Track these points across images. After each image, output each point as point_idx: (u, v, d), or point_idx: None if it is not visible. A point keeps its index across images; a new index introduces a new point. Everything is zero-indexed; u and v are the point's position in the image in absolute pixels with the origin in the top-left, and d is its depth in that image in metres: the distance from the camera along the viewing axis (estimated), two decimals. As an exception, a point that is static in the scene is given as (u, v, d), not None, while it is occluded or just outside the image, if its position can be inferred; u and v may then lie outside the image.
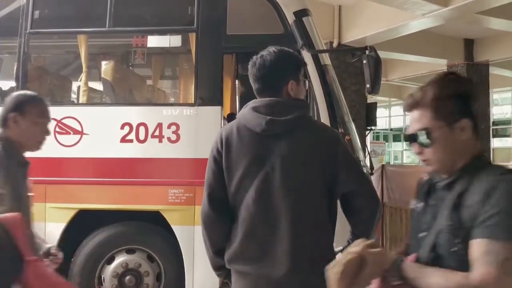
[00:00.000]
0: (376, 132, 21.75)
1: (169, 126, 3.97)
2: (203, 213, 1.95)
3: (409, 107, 1.39)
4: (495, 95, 18.30)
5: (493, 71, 14.18)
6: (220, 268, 1.99)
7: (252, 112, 1.91)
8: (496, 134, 18.55)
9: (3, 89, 4.66)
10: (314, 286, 1.72)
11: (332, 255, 1.91)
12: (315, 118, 4.03)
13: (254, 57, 2.00)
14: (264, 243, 1.84)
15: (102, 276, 3.98)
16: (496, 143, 18.32)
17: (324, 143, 1.90)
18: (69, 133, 4.01)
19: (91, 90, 4.57)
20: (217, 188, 1.93)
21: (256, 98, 2.00)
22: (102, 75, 4.56)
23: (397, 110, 23.18)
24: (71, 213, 3.96)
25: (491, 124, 15.02)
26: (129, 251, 4.00)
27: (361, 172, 1.98)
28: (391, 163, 22.56)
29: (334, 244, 1.98)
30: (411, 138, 1.40)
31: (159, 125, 3.97)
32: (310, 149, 1.87)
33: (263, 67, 1.94)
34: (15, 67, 4.23)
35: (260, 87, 1.96)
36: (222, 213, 1.92)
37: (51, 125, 4.05)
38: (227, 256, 1.92)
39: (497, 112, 19.00)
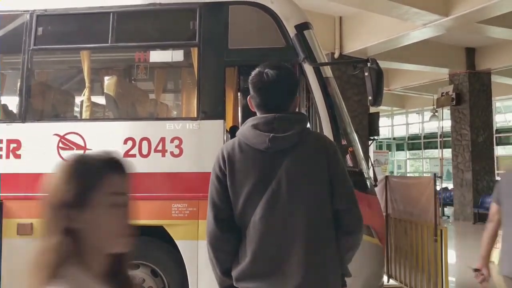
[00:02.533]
0: (379, 142, 21.72)
1: (172, 140, 3.97)
2: (209, 233, 1.92)
3: None
4: (498, 103, 18.30)
5: (495, 79, 14.18)
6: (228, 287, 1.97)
7: (253, 129, 1.89)
8: (500, 142, 18.50)
9: (7, 105, 4.68)
10: None
11: (339, 266, 1.92)
12: (318, 131, 4.03)
13: (258, 72, 1.96)
14: (274, 260, 1.84)
15: (106, 291, 3.96)
16: (499, 151, 18.26)
17: (325, 156, 1.90)
18: (73, 149, 4.01)
19: (94, 105, 4.58)
20: (223, 207, 1.90)
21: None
22: (105, 90, 4.58)
23: (400, 119, 23.18)
24: (75, 229, 3.95)
25: (494, 132, 14.99)
26: (133, 266, 3.99)
27: (352, 193, 1.95)
28: (395, 172, 22.50)
29: None
30: None
31: (162, 140, 3.98)
32: (313, 164, 1.88)
33: (276, 87, 1.91)
34: (18, 83, 4.26)
35: (268, 104, 1.93)
36: (229, 232, 1.90)
37: (55, 141, 4.10)
38: (236, 275, 1.89)
39: (500, 120, 18.98)
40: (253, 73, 1.98)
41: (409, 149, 23.61)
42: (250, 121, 1.94)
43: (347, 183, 1.93)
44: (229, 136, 4.27)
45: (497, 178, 15.18)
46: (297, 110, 2.03)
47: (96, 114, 4.75)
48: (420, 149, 22.49)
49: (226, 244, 1.91)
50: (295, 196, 1.84)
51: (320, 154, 1.89)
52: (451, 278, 5.74)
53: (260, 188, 1.85)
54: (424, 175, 20.10)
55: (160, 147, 3.97)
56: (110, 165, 1.12)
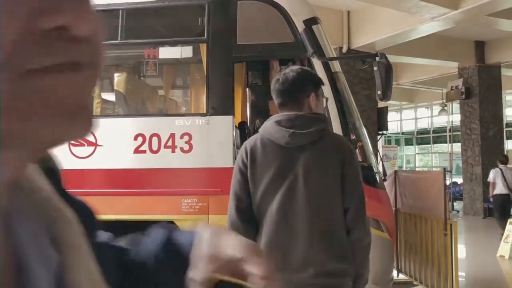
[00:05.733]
0: (388, 136, 21.64)
1: (181, 136, 4.00)
2: (230, 223, 2.03)
3: None
4: (508, 97, 18.12)
5: (505, 72, 14.06)
6: None
7: (275, 125, 2.03)
8: (510, 136, 18.33)
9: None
10: (329, 286, 1.92)
11: (347, 260, 1.98)
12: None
13: (277, 76, 2.17)
14: (285, 250, 1.95)
15: (118, 286, 4.01)
16: (510, 145, 18.09)
17: (340, 155, 2.01)
18: (84, 145, 4.06)
19: (104, 102, 4.62)
20: (243, 198, 2.02)
21: (268, 110, 2.09)
22: (115, 87, 4.61)
23: (409, 113, 23.06)
24: (86, 224, 4.00)
25: (504, 126, 14.87)
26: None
27: (360, 195, 2.03)
28: (404, 167, 22.41)
29: None
30: None
31: (172, 136, 4.01)
32: (328, 161, 2.00)
33: (286, 81, 2.09)
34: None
35: (283, 100, 2.10)
36: (248, 222, 2.02)
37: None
38: None
39: (510, 113, 18.79)
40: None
41: (418, 144, 23.50)
42: (274, 117, 2.09)
43: (357, 184, 2.04)
44: (238, 131, 4.29)
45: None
46: (315, 106, 2.12)
47: (106, 111, 4.79)
48: (429, 143, 22.38)
49: (245, 233, 1.95)
50: (310, 191, 1.95)
51: (336, 153, 2.01)
52: (461, 273, 5.73)
53: (278, 181, 1.97)
54: (433, 169, 20.00)
55: (170, 143, 4.00)
56: None
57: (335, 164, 1.98)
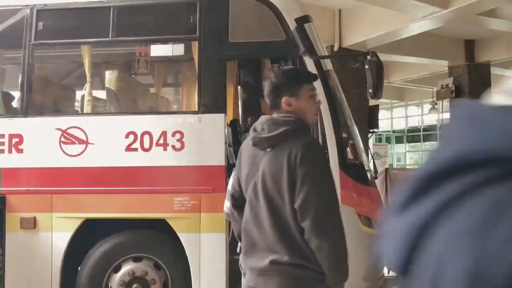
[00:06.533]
0: (379, 134, 21.73)
1: (173, 134, 3.99)
2: (225, 207, 2.45)
3: None
4: (497, 95, 18.25)
5: (495, 71, 14.16)
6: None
7: (252, 130, 2.19)
8: (499, 134, 18.48)
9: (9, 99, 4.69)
10: (290, 275, 2.01)
11: (307, 259, 2.01)
12: (318, 124, 4.05)
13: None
14: (253, 241, 2.14)
15: (109, 284, 3.99)
16: (499, 143, 18.24)
17: (290, 160, 1.97)
18: (75, 143, 4.03)
19: (95, 99, 4.60)
20: (236, 188, 2.33)
21: (260, 108, 2.19)
22: (106, 85, 4.59)
23: (399, 112, 23.17)
24: (78, 223, 3.99)
25: (493, 125, 14.97)
26: (136, 259, 4.02)
27: (318, 211, 1.94)
28: (394, 165, 22.52)
29: None
30: None
31: (164, 133, 4.00)
32: (279, 166, 2.00)
33: (266, 86, 2.21)
34: (19, 78, 4.27)
35: (269, 104, 2.23)
36: (239, 208, 2.30)
37: (59, 135, 4.12)
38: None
39: (499, 112, 18.94)
40: None
41: (408, 142, 23.62)
42: (255, 123, 2.24)
43: (313, 197, 1.95)
44: (230, 129, 4.29)
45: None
46: (295, 108, 2.11)
47: (98, 109, 4.77)
48: (420, 141, 22.50)
49: (236, 218, 2.33)
50: (266, 194, 2.06)
51: (287, 158, 1.97)
52: (451, 269, 5.76)
53: (249, 180, 2.16)
54: (424, 167, 20.03)
55: (161, 141, 3.99)
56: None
57: (284, 169, 1.96)
